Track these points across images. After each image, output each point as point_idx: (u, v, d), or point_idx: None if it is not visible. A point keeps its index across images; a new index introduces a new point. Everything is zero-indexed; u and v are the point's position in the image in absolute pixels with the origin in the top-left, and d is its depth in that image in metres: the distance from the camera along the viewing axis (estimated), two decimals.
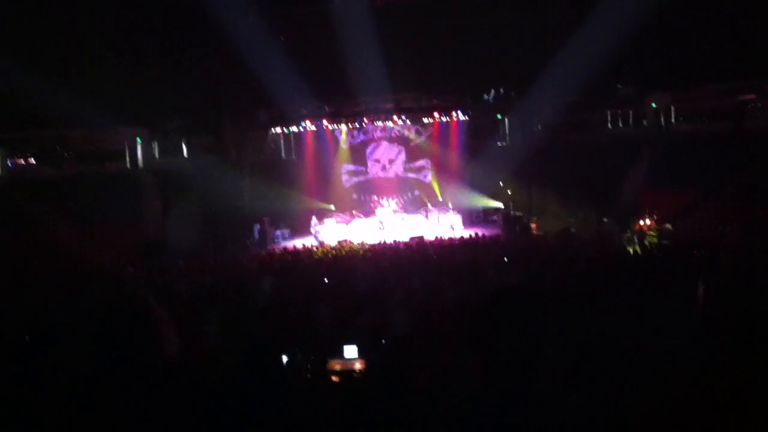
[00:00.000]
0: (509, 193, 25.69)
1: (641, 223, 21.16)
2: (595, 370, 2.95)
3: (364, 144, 28.94)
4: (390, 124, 27.98)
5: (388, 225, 25.06)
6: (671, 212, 20.88)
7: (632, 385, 2.52)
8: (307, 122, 27.26)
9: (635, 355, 3.10)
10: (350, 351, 6.90)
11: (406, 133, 28.68)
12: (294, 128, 27.77)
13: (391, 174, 28.98)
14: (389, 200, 27.50)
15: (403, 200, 27.96)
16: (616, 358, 2.99)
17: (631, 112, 25.94)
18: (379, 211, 26.47)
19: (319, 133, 28.09)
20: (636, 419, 2.18)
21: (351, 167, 28.95)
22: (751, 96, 23.23)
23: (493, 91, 26.44)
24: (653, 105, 24.93)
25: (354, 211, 26.88)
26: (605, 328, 3.28)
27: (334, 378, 6.40)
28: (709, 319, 2.23)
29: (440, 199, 27.47)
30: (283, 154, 28.66)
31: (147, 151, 25.82)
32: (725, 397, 2.07)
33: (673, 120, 25.06)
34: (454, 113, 27.13)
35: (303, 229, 25.81)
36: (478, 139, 27.28)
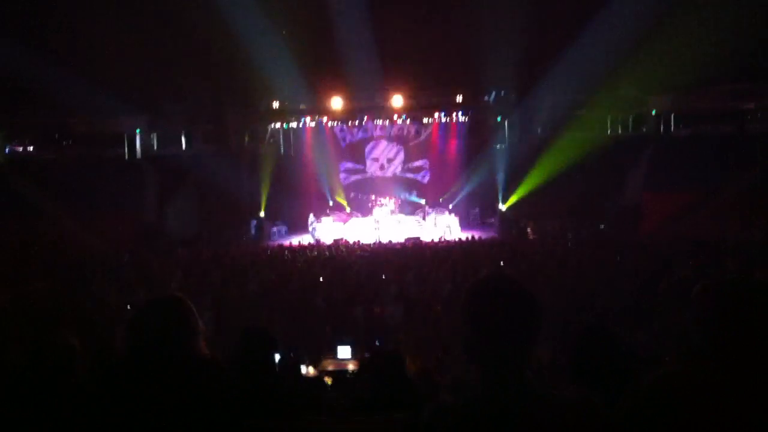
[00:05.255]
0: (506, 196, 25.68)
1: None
2: (591, 365, 2.95)
3: (363, 142, 28.87)
4: (389, 122, 27.97)
5: (385, 225, 25.03)
6: (671, 215, 20.92)
7: (628, 381, 2.51)
8: (307, 118, 27.24)
9: (632, 352, 3.11)
10: (344, 351, 6.85)
11: (405, 132, 28.64)
12: (294, 124, 27.74)
13: (389, 173, 28.92)
14: (387, 200, 27.41)
15: (401, 200, 27.88)
16: (614, 353, 2.99)
17: (631, 117, 25.96)
18: (376, 210, 26.44)
19: (319, 129, 28.05)
20: (632, 415, 2.17)
21: (349, 165, 28.89)
22: (750, 106, 23.35)
23: (493, 93, 26.40)
24: (653, 112, 25.00)
25: (351, 210, 26.86)
26: (602, 325, 3.29)
27: (327, 379, 6.35)
28: (708, 318, 2.21)
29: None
30: (282, 150, 28.59)
31: (146, 141, 25.77)
32: (725, 397, 2.06)
33: (672, 124, 25.08)
34: (453, 114, 27.12)
35: (300, 226, 25.77)
36: (477, 140, 27.26)
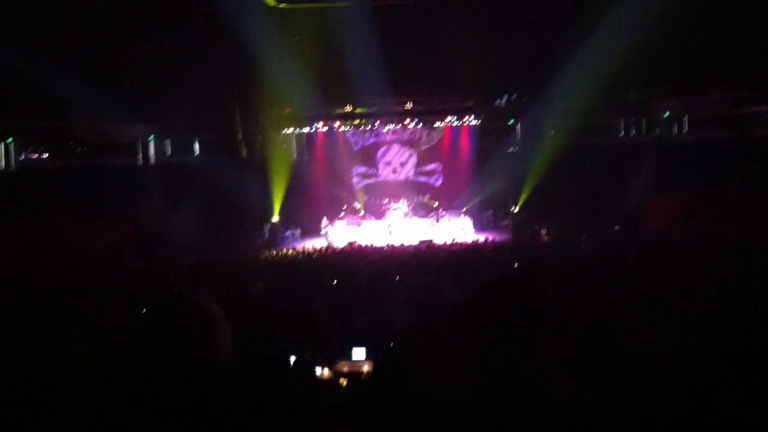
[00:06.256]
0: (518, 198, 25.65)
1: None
2: (593, 365, 2.94)
3: (376, 146, 28.93)
4: (401, 126, 28.02)
5: (398, 228, 25.02)
6: (674, 217, 20.88)
7: (630, 382, 2.49)
8: (319, 124, 27.37)
9: (634, 352, 3.08)
10: (359, 353, 6.81)
11: (417, 136, 28.67)
12: (305, 129, 27.86)
13: (401, 177, 28.92)
14: (400, 203, 27.38)
15: (413, 203, 27.85)
16: (615, 354, 2.97)
17: (644, 120, 25.87)
18: (389, 214, 26.43)
19: (330, 134, 28.16)
20: (633, 417, 2.15)
21: (362, 169, 28.93)
22: (763, 108, 23.25)
23: (505, 96, 26.38)
24: (666, 114, 24.92)
25: (364, 213, 26.89)
26: (605, 324, 3.26)
27: (342, 380, 6.32)
28: (709, 319, 2.20)
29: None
30: (294, 155, 28.71)
31: (159, 148, 26.01)
32: (725, 397, 2.04)
33: (686, 128, 25.00)
34: (465, 117, 27.13)
35: (313, 230, 25.84)
36: (489, 143, 27.25)
